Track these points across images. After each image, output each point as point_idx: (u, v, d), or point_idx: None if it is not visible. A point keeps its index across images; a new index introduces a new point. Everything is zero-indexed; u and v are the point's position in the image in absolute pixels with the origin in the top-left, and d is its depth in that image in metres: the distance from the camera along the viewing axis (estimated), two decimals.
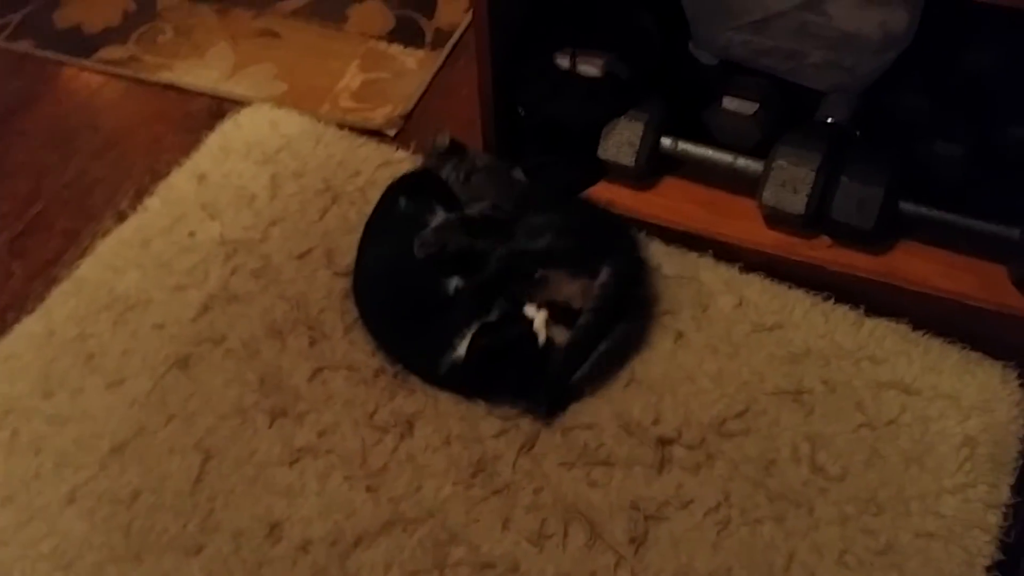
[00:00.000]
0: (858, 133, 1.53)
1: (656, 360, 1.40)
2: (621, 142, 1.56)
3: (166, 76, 1.93)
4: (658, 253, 1.52)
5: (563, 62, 1.56)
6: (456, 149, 1.55)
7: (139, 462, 1.34)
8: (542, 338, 1.33)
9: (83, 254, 1.61)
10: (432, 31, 2.02)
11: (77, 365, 1.45)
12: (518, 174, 1.55)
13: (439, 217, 1.45)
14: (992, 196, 1.47)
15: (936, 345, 1.38)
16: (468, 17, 2.01)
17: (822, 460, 1.29)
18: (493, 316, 1.36)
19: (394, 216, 1.49)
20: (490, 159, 1.56)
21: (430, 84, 1.91)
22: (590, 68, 1.54)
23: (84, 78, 1.97)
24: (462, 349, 1.35)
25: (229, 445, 1.35)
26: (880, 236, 1.47)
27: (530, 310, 1.34)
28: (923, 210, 1.47)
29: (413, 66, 1.95)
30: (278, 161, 1.69)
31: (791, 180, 1.47)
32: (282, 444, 1.35)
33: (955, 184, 1.49)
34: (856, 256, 1.49)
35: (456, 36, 2.00)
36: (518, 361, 1.34)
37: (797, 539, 1.23)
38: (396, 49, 1.99)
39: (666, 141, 1.58)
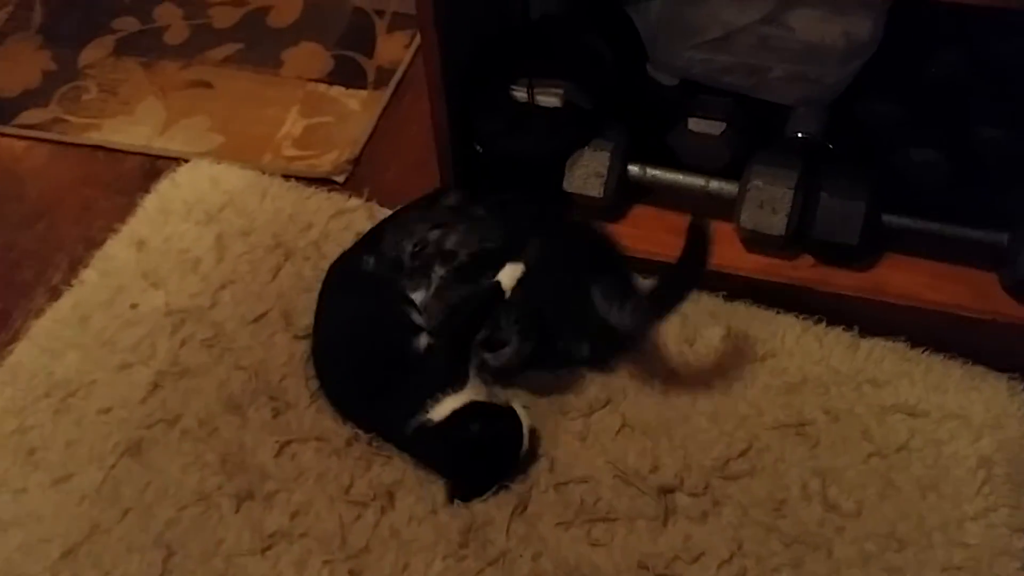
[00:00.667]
0: (831, 146, 1.47)
1: (647, 402, 1.33)
2: (587, 173, 1.49)
3: (94, 136, 1.83)
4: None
5: (520, 94, 1.48)
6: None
7: (94, 566, 1.23)
8: (525, 447, 1.26)
9: (15, 337, 1.50)
10: (374, 70, 1.93)
11: (18, 462, 1.33)
12: (478, 210, 1.46)
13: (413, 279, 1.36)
14: (975, 201, 1.42)
15: (937, 362, 1.32)
16: (410, 53, 1.95)
17: (834, 496, 1.22)
18: (472, 382, 1.27)
19: (356, 276, 1.40)
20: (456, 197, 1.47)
21: (376, 125, 1.83)
22: (550, 98, 1.47)
23: (4, 145, 1.85)
24: (435, 413, 1.25)
25: (193, 537, 1.24)
26: (865, 252, 1.42)
27: (520, 411, 1.27)
28: (907, 221, 1.41)
29: (357, 107, 1.87)
30: (222, 220, 1.59)
31: (768, 200, 1.41)
32: (252, 530, 1.24)
33: (936, 191, 1.44)
34: (842, 274, 1.42)
35: (399, 73, 1.92)
36: (494, 460, 1.26)
37: None
38: (337, 91, 1.90)
39: (634, 169, 1.51)
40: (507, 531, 1.22)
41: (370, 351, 1.34)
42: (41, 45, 2.03)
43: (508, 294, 1.28)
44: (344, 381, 1.36)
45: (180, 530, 1.25)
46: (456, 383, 1.26)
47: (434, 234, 1.37)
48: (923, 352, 1.33)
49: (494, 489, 1.25)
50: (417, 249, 1.37)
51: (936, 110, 1.49)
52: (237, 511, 1.26)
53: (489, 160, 1.53)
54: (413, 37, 1.97)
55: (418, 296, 1.35)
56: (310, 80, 1.92)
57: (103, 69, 1.97)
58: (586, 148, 1.49)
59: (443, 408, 1.24)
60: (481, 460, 1.25)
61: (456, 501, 1.25)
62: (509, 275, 1.29)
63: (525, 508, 1.24)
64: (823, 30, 1.36)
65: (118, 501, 1.28)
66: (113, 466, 1.31)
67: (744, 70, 1.44)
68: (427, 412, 1.25)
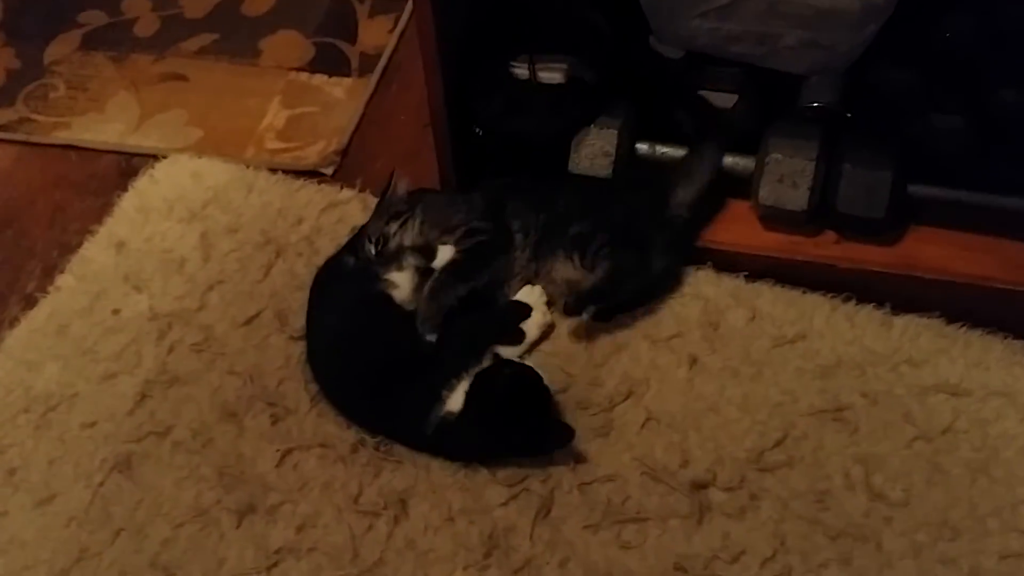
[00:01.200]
0: (849, 115, 1.39)
1: (671, 392, 1.25)
2: (595, 153, 1.41)
3: (63, 136, 1.76)
4: None
5: (521, 71, 1.39)
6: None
7: None
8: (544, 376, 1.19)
9: None
10: (357, 56, 1.85)
11: None
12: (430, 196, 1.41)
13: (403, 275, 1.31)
14: (1003, 168, 1.35)
15: (975, 338, 1.25)
16: (395, 38, 1.87)
17: (879, 484, 1.14)
18: (484, 363, 1.22)
19: (343, 278, 1.34)
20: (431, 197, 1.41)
21: (363, 114, 1.75)
22: (552, 75, 1.39)
23: None
24: (453, 403, 1.19)
25: (192, 557, 1.17)
26: (891, 225, 1.34)
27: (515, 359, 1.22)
28: (934, 191, 1.34)
29: (341, 96, 1.78)
30: (207, 217, 1.50)
31: (789, 174, 1.34)
32: (255, 547, 1.17)
33: (962, 159, 1.38)
34: (867, 249, 1.35)
35: (384, 59, 1.84)
36: (529, 400, 1.18)
37: None
38: (320, 80, 1.82)
39: (642, 147, 1.44)
40: (531, 537, 1.15)
41: (371, 354, 1.27)
42: (3, 42, 1.95)
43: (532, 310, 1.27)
44: (349, 388, 1.28)
45: (177, 550, 1.18)
46: (469, 370, 1.20)
47: (391, 227, 1.32)
48: (960, 328, 1.26)
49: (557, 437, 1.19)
50: (379, 246, 1.32)
51: (955, 75, 1.42)
52: (238, 527, 1.19)
53: (489, 143, 1.45)
54: (397, 21, 1.90)
55: (398, 293, 1.30)
56: (291, 69, 1.84)
57: (70, 65, 1.89)
58: (592, 126, 1.41)
59: (458, 394, 1.19)
60: (519, 410, 1.18)
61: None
62: (528, 294, 1.30)
63: (549, 512, 1.17)
64: None
65: (108, 522, 1.20)
66: (101, 484, 1.24)
67: (753, 39, 1.37)
68: (445, 404, 1.19)
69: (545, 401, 1.19)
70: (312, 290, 1.36)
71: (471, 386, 1.18)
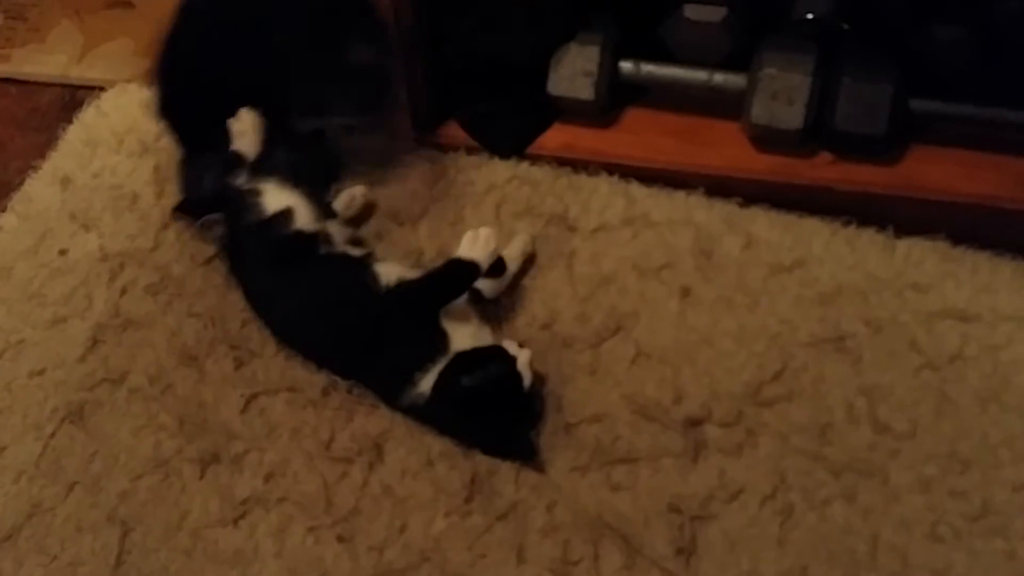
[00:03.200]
0: (846, 28, 1.30)
1: (662, 325, 1.17)
2: (575, 72, 1.31)
3: (2, 69, 1.67)
4: (639, 197, 1.29)
5: None
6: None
7: (38, 550, 1.09)
8: (528, 379, 1.08)
9: None
10: None
11: None
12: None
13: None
14: (1006, 80, 1.27)
15: (983, 260, 1.18)
16: None
17: (885, 416, 1.08)
18: (456, 344, 1.10)
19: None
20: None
21: None
22: None
23: None
24: (425, 385, 1.09)
25: (152, 510, 1.11)
26: (892, 143, 1.26)
27: (511, 346, 1.10)
28: (936, 105, 1.26)
29: None
30: (160, 150, 1.40)
31: (784, 90, 1.25)
32: (220, 498, 1.10)
33: (964, 71, 1.29)
34: (867, 170, 1.27)
35: None
36: (499, 406, 1.08)
37: (877, 517, 1.02)
38: None
39: (626, 65, 1.34)
40: (516, 480, 1.08)
41: (331, 319, 1.16)
42: None
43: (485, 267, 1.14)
44: (317, 350, 1.19)
45: (136, 503, 1.11)
46: (440, 351, 1.09)
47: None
48: (966, 250, 1.19)
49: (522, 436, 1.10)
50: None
51: None
52: (201, 477, 1.12)
53: (462, 65, 1.35)
54: None
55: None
56: None
57: None
58: (571, 44, 1.32)
59: (432, 376, 1.09)
60: (485, 413, 1.08)
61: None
62: (472, 243, 1.15)
63: (526, 460, 1.09)
64: None
65: (61, 475, 1.14)
66: (52, 435, 1.17)
67: None
68: (417, 386, 1.09)
69: (517, 410, 1.09)
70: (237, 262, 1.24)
71: (445, 371, 1.08)
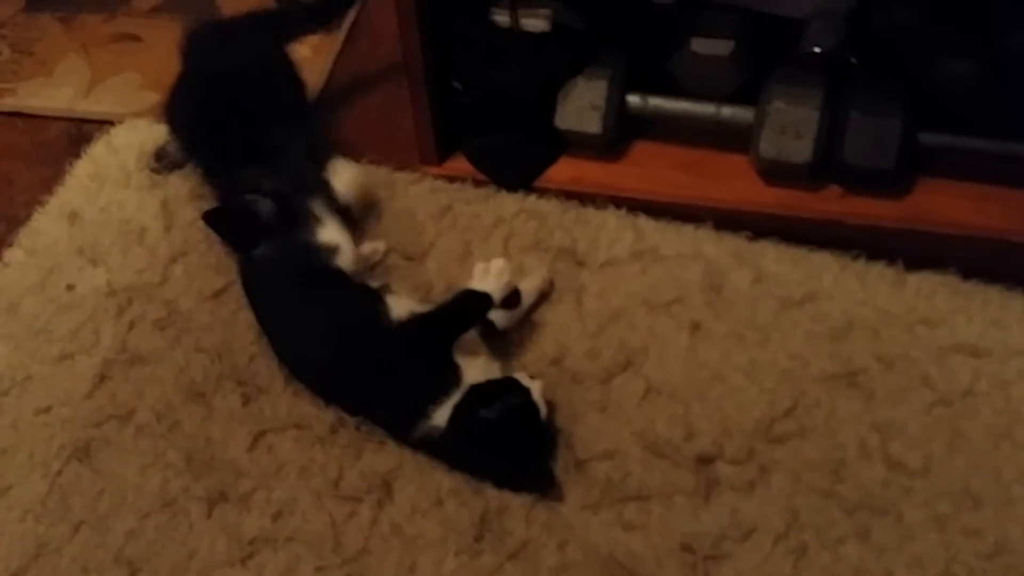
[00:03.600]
0: (853, 62, 1.31)
1: (672, 361, 1.17)
2: (583, 106, 1.32)
3: (8, 102, 1.66)
4: (648, 231, 1.29)
5: (502, 18, 1.30)
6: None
7: None
8: (543, 409, 1.08)
9: None
10: None
11: None
12: None
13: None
14: (1015, 113, 1.27)
15: (994, 295, 1.18)
16: None
17: (897, 452, 1.07)
18: (469, 377, 1.10)
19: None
20: None
21: (331, 72, 1.65)
22: (536, 21, 1.29)
23: None
24: (438, 418, 1.08)
25: (159, 550, 1.09)
26: (900, 176, 1.27)
27: (522, 378, 1.09)
28: (946, 139, 1.27)
29: (307, 54, 1.67)
30: (169, 184, 1.40)
31: (792, 124, 1.25)
32: (228, 538, 1.09)
33: (972, 104, 1.30)
34: (875, 203, 1.28)
35: (351, 15, 1.72)
36: (518, 437, 1.07)
37: (891, 555, 1.01)
38: None
39: (634, 99, 1.35)
40: (527, 519, 1.07)
41: (342, 343, 1.16)
42: None
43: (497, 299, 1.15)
44: (326, 381, 1.18)
45: (144, 543, 1.10)
46: (452, 384, 1.09)
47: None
48: (977, 284, 1.19)
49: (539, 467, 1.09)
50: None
51: (963, 16, 1.33)
52: (209, 516, 1.11)
53: (470, 97, 1.35)
54: None
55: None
56: None
57: (14, 27, 1.78)
58: (579, 78, 1.33)
59: (445, 410, 1.08)
60: (505, 445, 1.07)
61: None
62: (484, 275, 1.16)
63: (546, 492, 1.08)
64: None
65: (68, 514, 1.12)
66: (59, 473, 1.15)
67: None
68: (430, 419, 1.09)
69: (535, 441, 1.09)
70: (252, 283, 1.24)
71: (461, 404, 1.07)
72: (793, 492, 1.06)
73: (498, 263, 1.15)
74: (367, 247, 1.30)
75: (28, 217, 1.42)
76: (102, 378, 1.21)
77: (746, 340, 1.17)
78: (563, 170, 1.37)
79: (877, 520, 1.03)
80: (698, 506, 1.06)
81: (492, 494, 1.09)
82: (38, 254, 1.35)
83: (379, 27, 1.69)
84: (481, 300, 1.13)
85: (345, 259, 1.20)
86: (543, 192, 1.35)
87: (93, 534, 1.10)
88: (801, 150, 1.26)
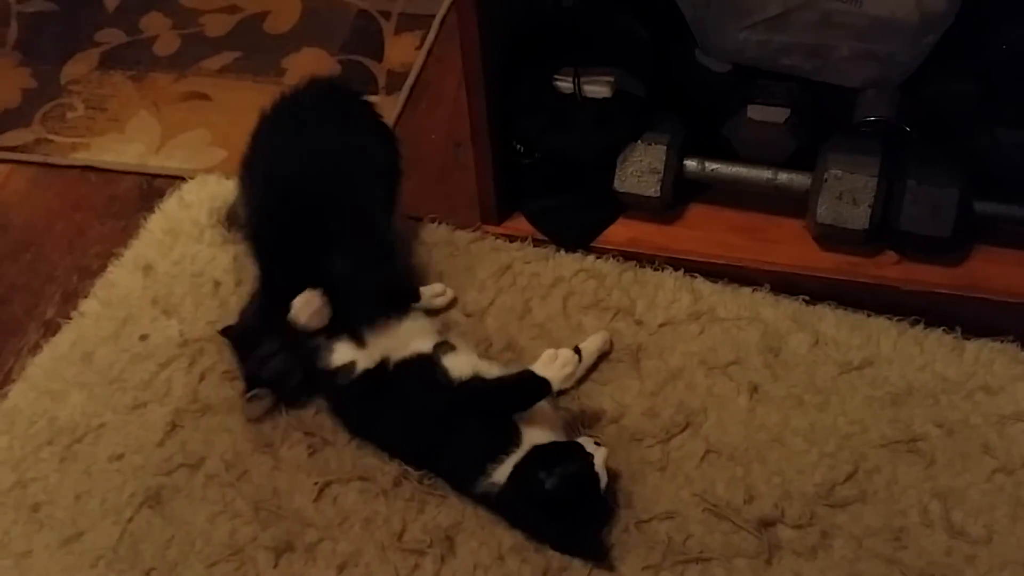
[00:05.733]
0: (908, 130, 1.33)
1: (732, 422, 1.18)
2: (642, 170, 1.35)
3: (82, 157, 1.70)
4: (705, 293, 1.31)
5: (565, 85, 1.34)
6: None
7: None
8: (604, 480, 1.09)
9: (8, 379, 1.36)
10: (384, 74, 1.80)
11: (20, 521, 1.19)
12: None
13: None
14: None
15: None
16: (422, 56, 1.82)
17: (960, 520, 1.08)
18: (529, 435, 1.12)
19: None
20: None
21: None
22: (598, 88, 1.33)
23: None
24: (498, 475, 1.11)
25: None
26: (956, 244, 1.28)
27: (587, 443, 1.11)
28: (1001, 208, 1.28)
29: None
30: (240, 242, 1.43)
31: (849, 191, 1.28)
32: None
33: None
34: (931, 270, 1.29)
35: (412, 77, 1.78)
36: (574, 506, 1.09)
37: None
38: None
39: (691, 163, 1.38)
40: None
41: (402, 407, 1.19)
42: (19, 62, 1.90)
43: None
44: (395, 445, 1.21)
45: None
46: (512, 443, 1.11)
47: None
48: None
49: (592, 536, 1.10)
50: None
51: (1017, 87, 1.36)
52: (275, 565, 1.13)
53: (532, 160, 1.39)
54: (423, 38, 1.85)
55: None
56: None
57: (88, 84, 1.84)
58: (638, 142, 1.36)
59: (506, 468, 1.10)
60: (564, 510, 1.08)
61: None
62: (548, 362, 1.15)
63: (607, 551, 1.10)
64: (894, 2, 1.25)
65: (138, 560, 1.14)
66: (130, 520, 1.18)
67: (805, 51, 1.32)
68: (491, 476, 1.11)
69: (591, 510, 1.10)
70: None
71: (521, 464, 1.09)
72: (855, 558, 1.06)
73: (566, 354, 1.15)
74: (435, 287, 1.33)
75: (100, 268, 1.46)
76: (173, 427, 1.24)
77: (805, 404, 1.18)
78: (621, 231, 1.40)
79: None
80: (760, 569, 1.07)
81: (553, 552, 1.10)
82: (113, 305, 1.39)
83: (438, 89, 1.74)
84: (540, 385, 1.13)
85: (365, 361, 1.19)
86: (601, 252, 1.38)
87: None
88: (858, 217, 1.28)
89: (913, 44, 1.28)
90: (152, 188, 1.61)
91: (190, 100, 1.78)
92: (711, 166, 1.38)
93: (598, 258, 1.37)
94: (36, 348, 1.38)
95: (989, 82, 1.38)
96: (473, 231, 1.43)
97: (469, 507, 1.15)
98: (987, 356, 1.20)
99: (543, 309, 1.33)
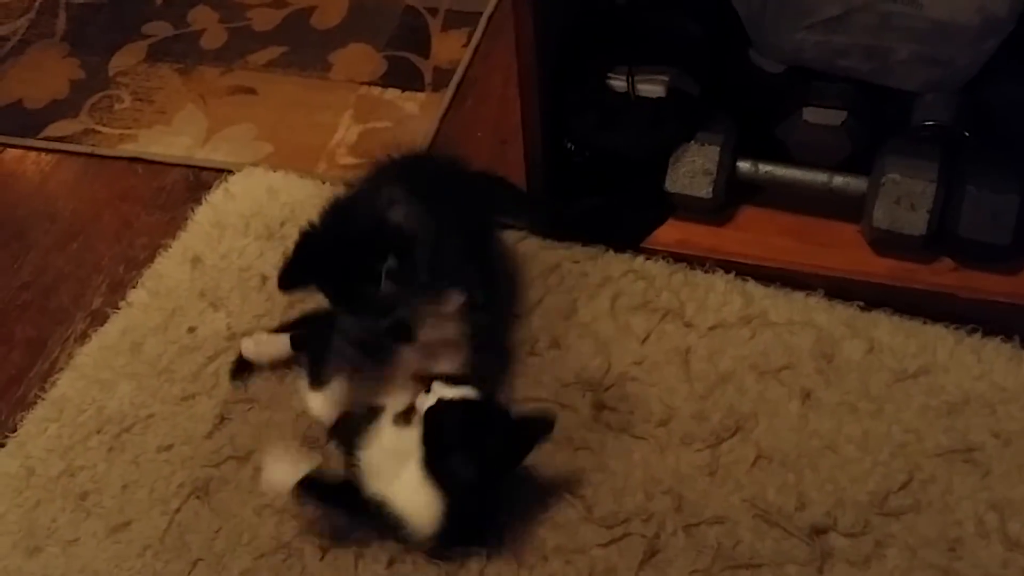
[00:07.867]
0: (967, 135, 1.31)
1: (783, 428, 1.17)
2: (694, 171, 1.34)
3: (129, 148, 1.71)
4: (757, 296, 1.29)
5: (619, 83, 1.33)
6: None
7: None
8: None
9: (55, 367, 1.37)
10: (430, 71, 1.79)
11: (68, 509, 1.20)
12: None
13: None
14: None
15: None
16: (469, 52, 1.81)
17: (1016, 532, 1.06)
18: None
19: None
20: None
21: (438, 129, 1.69)
22: (653, 87, 1.32)
23: (32, 159, 1.72)
24: None
25: None
26: (1015, 252, 1.26)
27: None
28: None
29: (415, 111, 1.72)
30: (286, 236, 1.44)
31: (907, 196, 1.26)
32: None
33: None
34: (990, 278, 1.27)
35: (459, 74, 1.77)
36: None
37: None
38: (393, 94, 1.76)
39: (744, 165, 1.36)
40: None
41: None
42: (67, 53, 1.92)
43: None
44: None
45: None
46: None
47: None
48: None
49: None
50: None
51: None
52: (322, 559, 1.12)
53: (582, 159, 1.38)
54: (470, 35, 1.84)
55: None
56: (362, 83, 1.78)
57: (136, 77, 1.84)
58: (691, 143, 1.35)
59: None
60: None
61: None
62: None
63: (654, 554, 1.09)
64: (955, 6, 1.22)
65: (185, 551, 1.15)
66: (178, 510, 1.18)
67: (863, 53, 1.30)
68: None
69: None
70: None
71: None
72: (909, 568, 1.05)
73: None
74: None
75: (147, 259, 1.46)
76: (222, 419, 1.24)
77: (859, 411, 1.16)
78: (670, 232, 1.38)
79: None
80: None
81: (598, 554, 1.09)
82: (161, 296, 1.39)
83: (485, 88, 1.73)
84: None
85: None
86: (651, 253, 1.36)
87: (210, 572, 1.12)
88: (916, 222, 1.26)
89: (973, 48, 1.26)
90: (198, 180, 1.61)
91: (236, 94, 1.78)
92: (764, 168, 1.36)
93: (647, 259, 1.36)
94: (84, 337, 1.38)
95: None
96: (521, 230, 1.42)
97: (516, 508, 1.14)
98: None
99: (590, 309, 1.32)
